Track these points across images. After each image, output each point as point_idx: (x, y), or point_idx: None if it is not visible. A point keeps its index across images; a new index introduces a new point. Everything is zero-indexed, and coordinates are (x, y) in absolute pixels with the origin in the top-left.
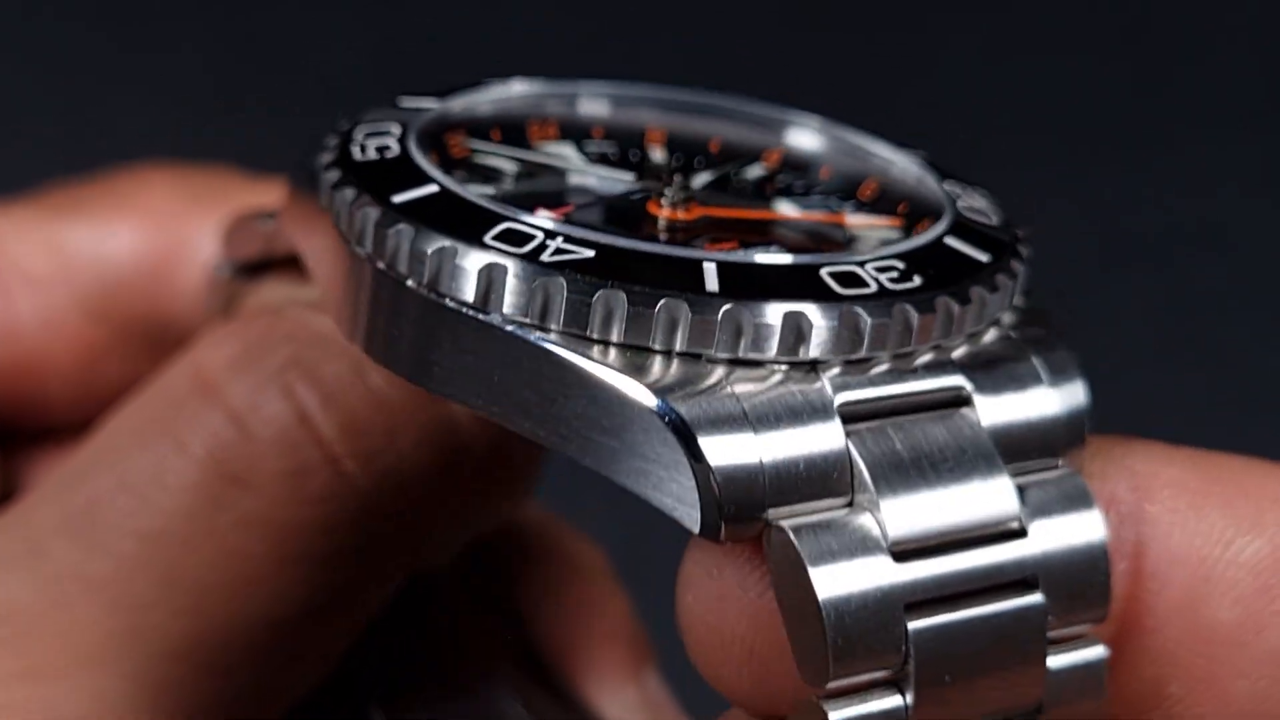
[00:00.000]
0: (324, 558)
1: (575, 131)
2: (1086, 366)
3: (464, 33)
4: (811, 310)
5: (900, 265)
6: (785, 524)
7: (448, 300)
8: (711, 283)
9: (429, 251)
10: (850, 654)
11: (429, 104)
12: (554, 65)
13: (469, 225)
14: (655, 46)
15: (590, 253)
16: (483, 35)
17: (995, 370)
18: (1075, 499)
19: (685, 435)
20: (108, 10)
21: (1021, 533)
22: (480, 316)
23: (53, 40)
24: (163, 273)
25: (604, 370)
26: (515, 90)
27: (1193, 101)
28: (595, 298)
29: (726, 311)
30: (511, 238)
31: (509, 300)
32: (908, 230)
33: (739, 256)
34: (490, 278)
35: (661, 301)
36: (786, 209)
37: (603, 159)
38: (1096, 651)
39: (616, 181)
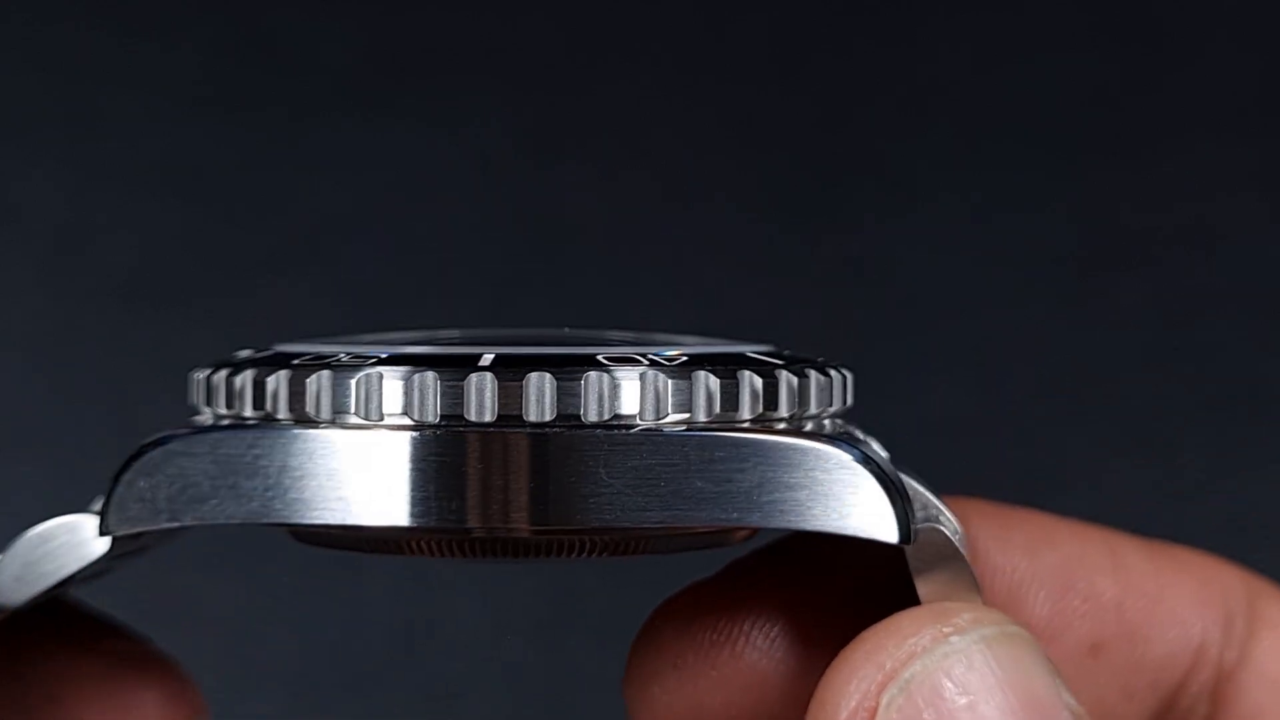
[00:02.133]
0: None
1: None
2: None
3: (457, 32)
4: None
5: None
6: (923, 525)
7: (602, 429)
8: (766, 360)
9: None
10: None
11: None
12: (545, 71)
13: (558, 361)
14: (652, 47)
15: (682, 352)
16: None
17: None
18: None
19: (875, 468)
20: (107, 9)
21: None
22: (652, 427)
23: (54, 39)
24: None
25: (788, 438)
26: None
27: (1190, 102)
28: (740, 381)
29: (795, 377)
30: (631, 360)
31: (668, 404)
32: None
33: (731, 348)
34: (654, 389)
35: (782, 375)
36: None
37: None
38: None
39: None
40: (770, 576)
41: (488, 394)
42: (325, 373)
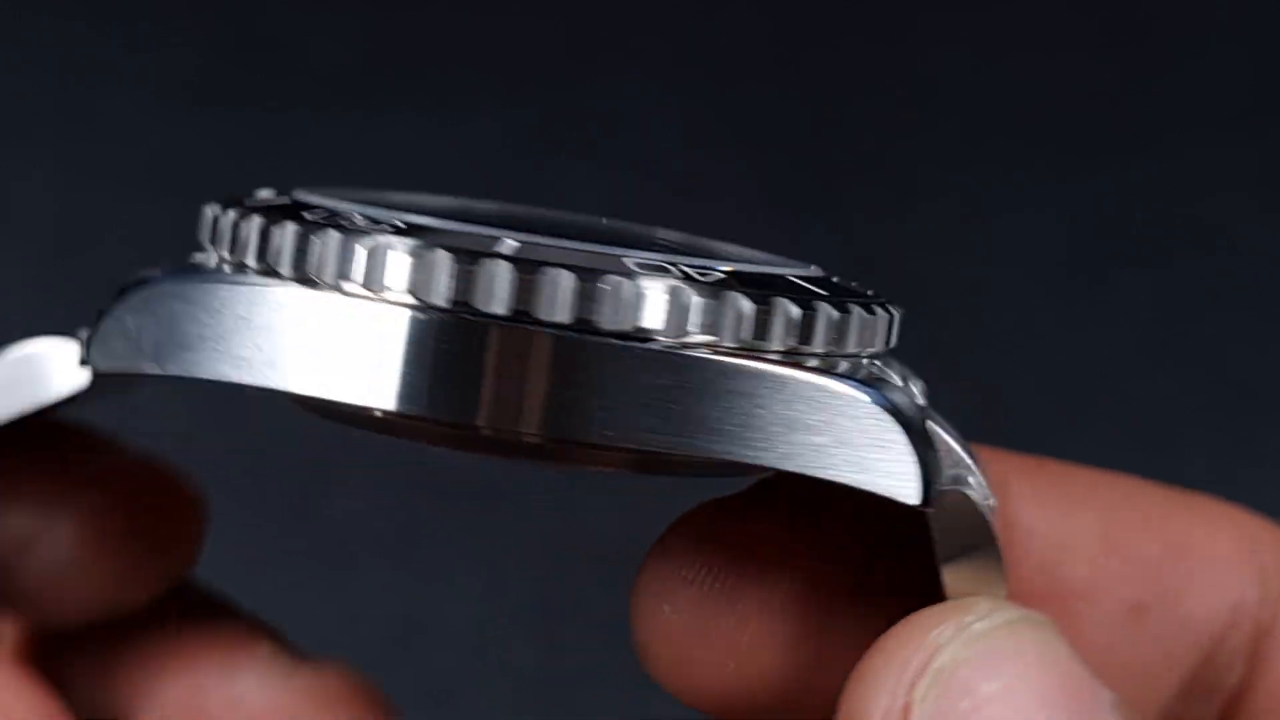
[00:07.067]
0: None
1: None
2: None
3: (456, 32)
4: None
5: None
6: (949, 487)
7: (619, 340)
8: (822, 290)
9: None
10: None
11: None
12: (545, 68)
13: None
14: (650, 44)
15: (723, 272)
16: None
17: None
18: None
19: (903, 419)
20: (105, 7)
21: None
22: (673, 346)
23: (51, 37)
24: None
25: (815, 376)
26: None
27: (1189, 101)
28: (774, 308)
29: (835, 311)
30: (661, 269)
31: (694, 322)
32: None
33: (779, 268)
34: (680, 304)
35: (822, 306)
36: None
37: None
38: None
39: None
40: (795, 504)
41: (505, 285)
42: (334, 234)
